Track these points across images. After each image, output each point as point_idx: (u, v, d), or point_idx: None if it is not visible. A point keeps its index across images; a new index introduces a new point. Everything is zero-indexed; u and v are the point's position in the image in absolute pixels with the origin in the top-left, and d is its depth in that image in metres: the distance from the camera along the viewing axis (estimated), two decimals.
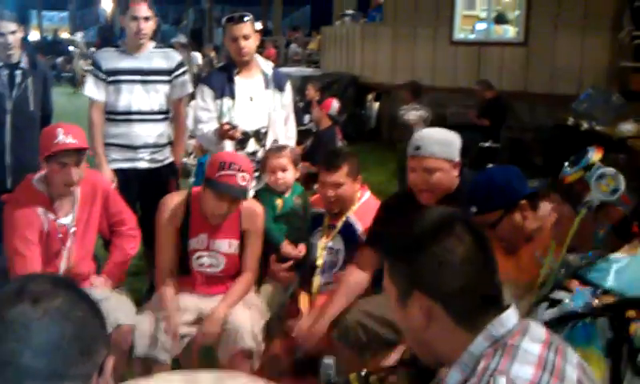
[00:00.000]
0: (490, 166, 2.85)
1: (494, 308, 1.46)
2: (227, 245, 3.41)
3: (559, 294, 2.03)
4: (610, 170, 2.12)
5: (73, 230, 3.32)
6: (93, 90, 4.33)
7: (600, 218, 2.15)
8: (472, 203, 2.63)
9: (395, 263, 1.54)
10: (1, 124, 4.38)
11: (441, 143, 3.07)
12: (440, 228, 1.48)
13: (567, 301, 1.98)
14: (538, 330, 1.47)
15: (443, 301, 1.44)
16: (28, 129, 4.40)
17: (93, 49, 22.48)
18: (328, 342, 3.17)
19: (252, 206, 3.48)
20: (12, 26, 4.39)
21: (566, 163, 2.27)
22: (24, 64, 4.48)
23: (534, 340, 1.42)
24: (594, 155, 2.18)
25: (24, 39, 4.53)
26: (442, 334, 1.46)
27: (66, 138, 3.11)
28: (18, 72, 4.44)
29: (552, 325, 1.93)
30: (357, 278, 3.23)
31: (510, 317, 1.45)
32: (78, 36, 24.29)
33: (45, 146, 3.16)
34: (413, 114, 7.99)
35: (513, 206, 2.63)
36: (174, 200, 3.45)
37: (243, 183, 3.21)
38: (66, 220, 3.31)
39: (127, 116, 4.32)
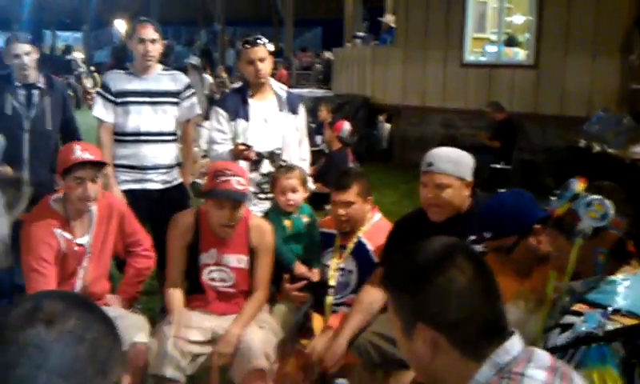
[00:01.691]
0: (502, 190, 2.87)
1: (499, 336, 1.46)
2: (236, 260, 3.46)
3: (570, 319, 2.05)
4: (596, 197, 2.15)
5: (89, 249, 3.37)
6: (102, 111, 4.38)
7: (596, 244, 2.18)
8: (485, 228, 2.66)
9: (398, 295, 1.54)
10: (19, 142, 4.44)
11: (453, 161, 3.12)
12: (441, 258, 1.49)
13: (579, 324, 2.00)
14: (543, 357, 1.48)
15: (447, 332, 1.44)
16: (45, 147, 4.47)
17: (92, 68, 22.73)
18: (347, 361, 3.18)
19: (260, 222, 3.54)
20: (27, 48, 4.46)
21: (552, 197, 2.32)
22: (41, 84, 4.55)
23: (539, 367, 1.43)
24: (578, 185, 2.22)
25: (40, 59, 4.60)
26: (447, 365, 1.46)
27: (82, 153, 3.17)
28: (35, 92, 4.51)
29: (567, 348, 1.95)
30: (372, 297, 3.24)
31: (514, 344, 1.45)
32: (78, 55, 24.48)
33: (62, 161, 3.22)
34: None
35: (527, 231, 2.65)
36: (184, 217, 3.53)
37: (239, 187, 3.29)
38: (82, 240, 3.35)
39: (136, 137, 4.37)
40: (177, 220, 3.51)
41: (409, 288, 1.49)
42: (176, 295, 3.43)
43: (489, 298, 1.47)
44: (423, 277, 1.48)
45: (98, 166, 3.26)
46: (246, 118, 4.16)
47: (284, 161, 4.15)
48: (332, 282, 3.57)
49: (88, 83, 20.42)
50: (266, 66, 4.15)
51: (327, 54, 20.91)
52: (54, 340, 1.08)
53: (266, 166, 4.17)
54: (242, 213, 3.40)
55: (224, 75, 17.43)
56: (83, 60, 23.58)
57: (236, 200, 3.32)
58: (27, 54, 4.45)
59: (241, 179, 3.32)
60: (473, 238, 2.93)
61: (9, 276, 3.77)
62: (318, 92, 15.13)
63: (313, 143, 7.79)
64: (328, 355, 3.19)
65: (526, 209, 2.70)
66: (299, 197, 3.78)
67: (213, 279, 3.48)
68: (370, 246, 3.55)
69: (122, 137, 4.39)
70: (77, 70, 21.40)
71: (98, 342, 1.13)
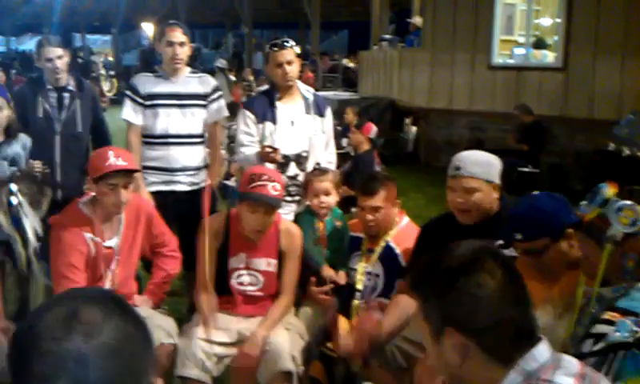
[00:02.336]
0: (536, 192, 2.82)
1: (528, 342, 1.45)
2: (265, 263, 3.47)
3: (601, 328, 2.02)
4: (628, 202, 2.13)
5: (118, 252, 3.40)
6: (130, 113, 4.42)
7: (626, 249, 2.15)
8: (517, 230, 2.62)
9: (427, 300, 1.53)
10: (50, 145, 4.49)
11: (481, 164, 3.09)
12: (470, 263, 1.48)
13: (612, 333, 1.97)
14: (572, 363, 1.46)
15: (476, 337, 1.43)
16: (76, 149, 4.53)
17: (112, 72, 22.93)
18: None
19: (290, 227, 3.55)
20: (59, 51, 4.52)
21: (581, 202, 2.29)
22: (71, 87, 4.60)
23: (568, 373, 1.41)
24: (608, 191, 2.19)
25: (71, 62, 4.66)
26: (476, 370, 1.45)
27: (116, 160, 3.20)
28: (66, 95, 4.56)
29: (597, 355, 1.93)
30: (407, 302, 3.22)
31: (542, 351, 1.44)
32: (98, 59, 24.75)
33: (95, 167, 3.25)
34: None
35: (560, 235, 2.62)
36: (214, 220, 3.54)
37: (275, 193, 3.30)
38: (111, 242, 3.38)
39: (164, 139, 4.40)
40: (207, 223, 3.52)
41: (437, 292, 1.49)
42: (206, 297, 3.43)
43: (518, 304, 1.46)
44: (452, 281, 1.47)
45: (131, 172, 3.29)
46: (273, 121, 4.17)
47: (318, 164, 4.14)
48: (359, 286, 3.56)
49: (105, 86, 20.62)
50: (293, 69, 4.16)
51: (344, 61, 21.01)
52: (93, 353, 1.07)
53: (293, 169, 4.18)
54: (274, 218, 3.41)
55: (250, 78, 17.50)
56: (103, 64, 23.82)
57: (270, 205, 3.33)
58: (59, 57, 4.50)
59: (276, 185, 3.33)
60: (501, 242, 2.90)
61: None
62: (344, 95, 15.13)
63: (338, 146, 7.77)
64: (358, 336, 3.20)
65: (559, 212, 2.65)
66: (332, 200, 3.78)
67: (241, 283, 3.50)
68: (399, 250, 3.53)
69: (150, 139, 4.42)
70: (95, 73, 21.64)
71: (135, 352, 1.12)
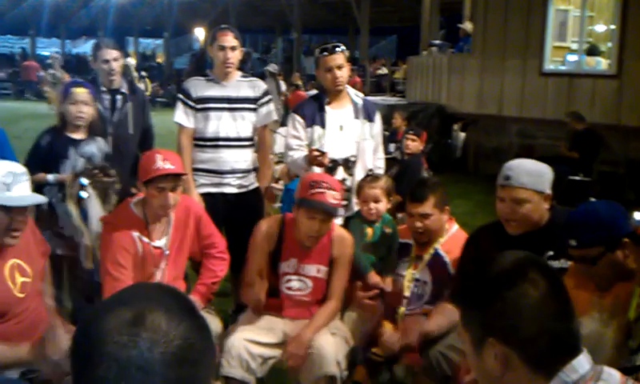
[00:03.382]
0: (592, 199, 2.74)
1: (570, 354, 1.43)
2: (316, 270, 3.48)
3: None
4: None
5: (167, 252, 3.45)
6: (182, 116, 4.49)
7: None
8: (571, 236, 2.56)
9: (468, 310, 1.52)
10: None
11: (531, 174, 3.00)
12: (513, 273, 1.46)
13: None
14: (613, 376, 1.44)
15: (518, 347, 1.42)
16: (126, 150, 4.61)
17: (143, 72, 23.28)
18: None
19: (343, 234, 3.55)
20: (115, 53, 4.62)
21: (636, 212, 2.23)
22: (124, 89, 4.70)
23: None
24: None
25: (127, 65, 4.76)
26: (516, 381, 1.44)
27: (164, 164, 3.24)
28: (119, 97, 4.66)
29: None
30: (454, 309, 3.19)
31: (583, 362, 1.42)
32: (131, 61, 25.18)
33: (144, 170, 3.30)
34: None
35: (616, 244, 2.55)
36: (269, 224, 3.56)
37: (334, 201, 3.30)
38: (160, 242, 3.43)
39: (215, 142, 4.47)
40: (262, 226, 3.55)
41: (480, 302, 1.48)
42: (254, 293, 3.43)
43: (561, 316, 1.44)
44: (494, 291, 1.46)
45: (179, 176, 3.34)
46: (322, 125, 4.18)
47: (370, 170, 4.13)
48: (406, 293, 3.53)
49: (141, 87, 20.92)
50: (343, 74, 4.17)
51: (381, 71, 21.04)
52: (157, 362, 1.05)
53: (341, 173, 4.18)
54: (330, 226, 3.42)
55: (299, 82, 17.59)
56: (136, 67, 24.23)
57: (328, 213, 3.34)
58: (115, 59, 4.61)
59: (336, 194, 3.33)
60: (551, 253, 2.85)
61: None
62: (392, 100, 15.08)
63: (386, 151, 7.75)
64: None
65: (616, 220, 2.57)
66: (382, 207, 3.77)
67: (290, 288, 3.50)
68: (448, 258, 3.48)
69: (201, 142, 4.49)
70: (129, 76, 22.05)
71: (198, 359, 1.10)
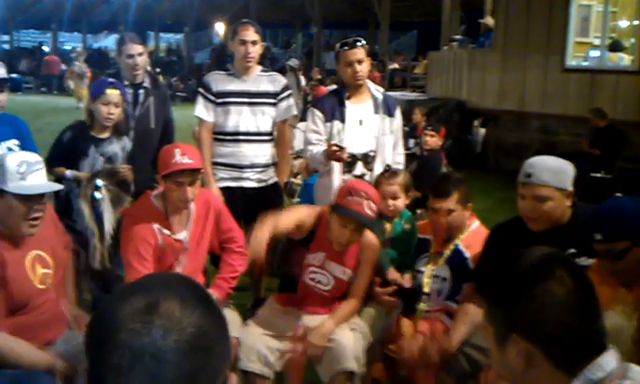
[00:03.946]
0: (618, 194, 2.69)
1: (595, 352, 1.41)
2: (341, 271, 3.46)
3: None
4: None
5: (186, 245, 3.46)
6: (202, 111, 4.51)
7: None
8: (597, 230, 2.52)
9: (493, 305, 1.51)
10: None
11: (553, 171, 2.95)
12: (539, 269, 1.45)
13: None
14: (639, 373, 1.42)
15: (542, 344, 1.41)
16: (148, 144, 4.60)
17: (158, 69, 23.30)
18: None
19: (371, 239, 3.51)
20: (140, 48, 4.63)
21: None
22: (146, 84, 4.70)
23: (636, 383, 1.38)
24: None
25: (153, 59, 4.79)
26: (540, 378, 1.43)
27: (182, 158, 3.24)
28: (141, 91, 4.67)
29: None
30: (476, 311, 3.17)
31: (609, 360, 1.40)
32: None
33: (163, 164, 3.31)
34: None
35: None
36: (308, 213, 3.52)
37: (369, 212, 3.25)
38: (180, 235, 3.45)
39: (235, 136, 4.48)
40: (310, 208, 3.55)
41: (505, 298, 1.47)
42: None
43: (588, 314, 1.43)
44: (520, 287, 1.44)
45: (197, 170, 3.35)
46: (342, 120, 4.18)
47: (388, 166, 4.12)
48: (426, 289, 3.50)
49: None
50: (363, 68, 4.15)
51: (392, 65, 20.98)
52: (171, 349, 1.04)
53: (360, 168, 4.18)
54: (361, 234, 3.39)
55: (318, 77, 17.58)
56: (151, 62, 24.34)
57: (362, 224, 3.31)
58: (140, 54, 4.62)
59: (373, 205, 3.28)
60: (572, 251, 2.82)
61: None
62: (411, 95, 15.03)
63: (405, 146, 7.73)
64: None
65: None
66: (400, 203, 3.75)
67: (312, 279, 3.50)
68: (468, 254, 3.45)
69: (221, 136, 4.51)
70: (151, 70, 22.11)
71: (212, 347, 1.09)
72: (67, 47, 35.58)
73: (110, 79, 4.32)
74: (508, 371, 1.48)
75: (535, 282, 1.43)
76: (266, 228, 3.21)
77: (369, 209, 3.24)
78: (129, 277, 3.29)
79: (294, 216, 3.46)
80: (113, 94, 4.13)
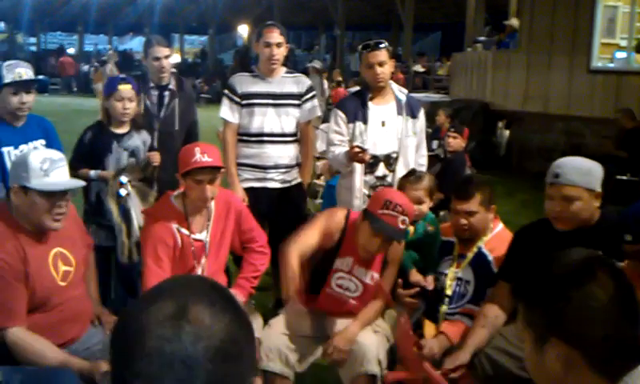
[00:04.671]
0: None
1: (636, 358, 1.38)
2: (369, 276, 3.43)
3: None
4: None
5: (207, 245, 3.48)
6: (227, 112, 4.54)
7: None
8: (627, 231, 2.49)
9: (532, 308, 1.47)
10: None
11: (581, 171, 2.92)
12: (581, 272, 1.42)
13: None
14: None
15: (582, 349, 1.37)
16: (171, 146, 4.60)
17: (174, 70, 23.35)
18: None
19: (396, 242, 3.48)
20: (166, 51, 4.67)
21: None
22: (172, 86, 4.74)
23: None
24: None
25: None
26: (578, 383, 1.40)
27: (202, 156, 3.26)
28: (167, 93, 4.70)
29: None
30: (496, 312, 3.15)
31: None
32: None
33: (183, 162, 3.33)
34: None
35: None
36: (334, 217, 3.47)
37: (402, 226, 3.21)
38: (200, 236, 3.46)
39: (259, 137, 4.50)
40: (331, 213, 3.51)
41: (545, 301, 1.43)
42: (294, 258, 3.25)
43: (629, 319, 1.40)
44: (561, 290, 1.41)
45: (217, 169, 3.36)
46: (364, 121, 4.17)
47: (413, 170, 4.09)
48: (448, 292, 3.47)
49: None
50: (385, 70, 4.16)
51: (415, 67, 20.92)
52: (201, 356, 1.03)
53: (382, 170, 4.17)
54: (389, 246, 3.35)
55: (339, 79, 17.57)
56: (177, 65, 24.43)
57: (393, 238, 3.29)
58: (167, 57, 4.66)
59: (406, 219, 3.22)
60: (600, 253, 2.79)
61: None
62: (435, 96, 14.96)
63: (429, 148, 7.69)
64: (447, 361, 3.10)
65: None
66: (424, 207, 3.73)
67: (340, 286, 3.46)
68: (491, 257, 3.42)
69: (246, 137, 4.53)
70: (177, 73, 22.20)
71: (241, 353, 1.08)
72: (90, 49, 35.99)
73: (122, 75, 4.36)
74: (545, 376, 1.45)
75: (577, 286, 1.40)
76: (293, 256, 3.22)
77: (402, 223, 3.19)
78: (145, 276, 3.31)
79: (316, 228, 3.42)
80: (125, 89, 4.20)
